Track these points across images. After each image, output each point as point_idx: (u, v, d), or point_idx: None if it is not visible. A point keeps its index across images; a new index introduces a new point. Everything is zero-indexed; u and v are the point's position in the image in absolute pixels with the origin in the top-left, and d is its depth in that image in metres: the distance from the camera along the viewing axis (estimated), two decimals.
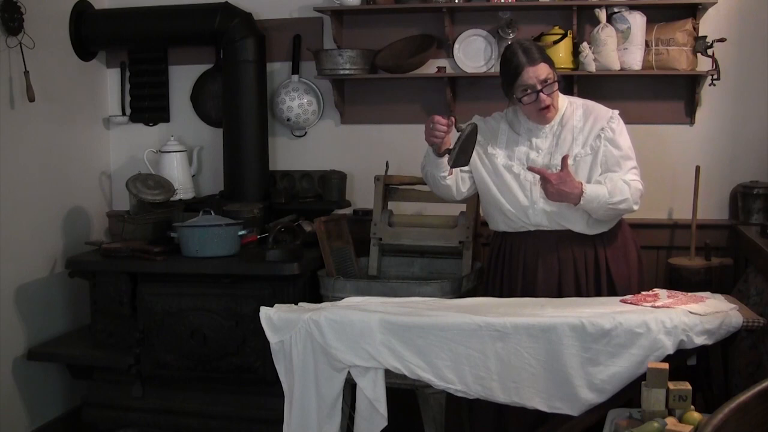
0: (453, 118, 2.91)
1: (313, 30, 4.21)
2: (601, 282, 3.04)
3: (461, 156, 2.90)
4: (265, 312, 2.78)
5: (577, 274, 3.04)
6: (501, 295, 3.09)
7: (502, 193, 3.05)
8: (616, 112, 3.06)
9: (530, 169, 2.96)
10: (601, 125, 3.01)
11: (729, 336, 2.68)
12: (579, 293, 3.02)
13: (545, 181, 2.89)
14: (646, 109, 3.90)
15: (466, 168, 3.06)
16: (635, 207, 2.99)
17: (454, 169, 3.02)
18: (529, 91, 2.93)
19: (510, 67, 2.96)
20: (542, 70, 2.92)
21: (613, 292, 3.02)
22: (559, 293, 3.01)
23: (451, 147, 2.88)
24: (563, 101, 3.08)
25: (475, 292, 3.52)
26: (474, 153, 2.99)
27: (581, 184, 2.91)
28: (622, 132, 3.03)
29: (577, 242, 3.03)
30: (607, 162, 2.99)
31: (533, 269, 3.05)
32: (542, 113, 2.98)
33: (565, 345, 2.57)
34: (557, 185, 2.87)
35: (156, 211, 3.87)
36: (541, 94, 2.93)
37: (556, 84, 2.97)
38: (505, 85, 3.00)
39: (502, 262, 3.15)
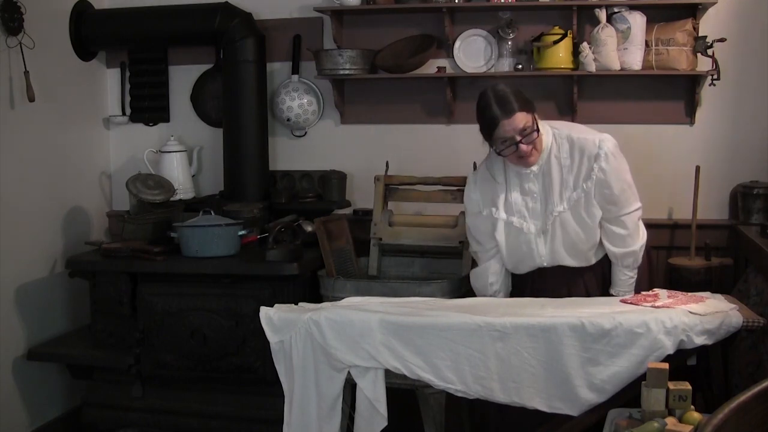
0: None
1: (313, 30, 4.21)
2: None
3: None
4: (265, 312, 2.78)
5: (587, 288, 3.05)
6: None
7: (509, 251, 3.03)
8: (605, 139, 2.92)
9: None
10: (590, 164, 2.90)
11: (729, 336, 2.68)
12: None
13: None
14: (646, 109, 3.90)
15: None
16: (643, 234, 3.03)
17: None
18: (507, 143, 2.85)
19: (485, 120, 2.84)
20: (519, 120, 2.79)
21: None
22: None
23: None
24: (548, 137, 2.95)
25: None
26: (486, 223, 3.05)
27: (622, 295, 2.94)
28: (616, 168, 2.91)
29: (587, 271, 3.04)
30: (605, 206, 2.93)
31: (541, 283, 3.07)
32: (522, 161, 2.90)
33: (565, 345, 2.57)
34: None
35: (156, 211, 3.87)
36: (520, 145, 2.83)
37: (536, 132, 2.84)
38: (484, 136, 2.90)
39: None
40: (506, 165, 3.00)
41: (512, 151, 2.86)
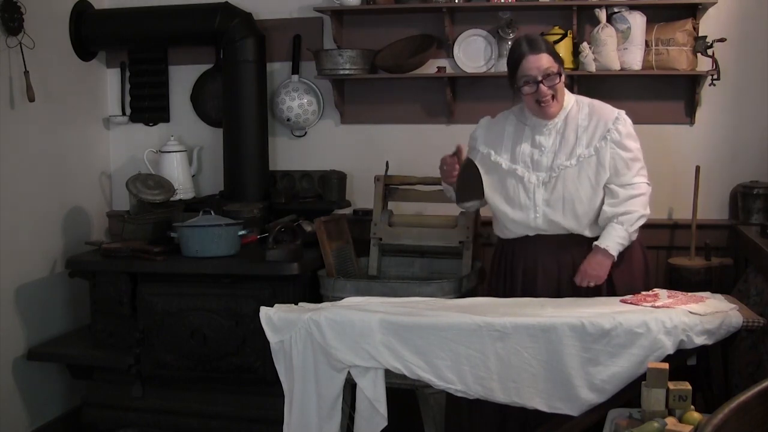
0: (459, 149, 2.96)
1: (313, 30, 4.21)
2: (600, 286, 3.02)
3: (465, 192, 3.01)
4: (265, 312, 2.78)
5: (575, 263, 3.03)
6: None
7: (506, 201, 3.05)
8: (623, 112, 3.03)
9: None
10: (606, 126, 2.98)
11: (729, 336, 2.68)
12: (578, 296, 3.01)
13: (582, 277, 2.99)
14: (646, 109, 3.90)
15: None
16: (647, 211, 3.02)
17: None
18: (529, 81, 2.93)
19: (513, 56, 2.98)
20: (544, 61, 2.91)
21: (612, 293, 3.02)
22: (558, 296, 3.01)
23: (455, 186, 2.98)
24: (569, 99, 3.06)
25: (475, 292, 3.52)
26: (480, 165, 3.04)
27: (605, 250, 2.94)
28: (630, 133, 3.00)
29: (577, 246, 3.02)
30: (615, 165, 2.96)
31: (533, 273, 3.06)
32: (543, 107, 2.96)
33: (565, 345, 2.57)
34: (590, 273, 2.96)
35: (156, 211, 3.87)
36: (541, 85, 2.91)
37: (559, 78, 2.93)
38: (510, 77, 3.00)
39: (504, 266, 3.16)
40: (525, 117, 3.06)
41: (532, 90, 2.93)
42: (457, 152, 2.97)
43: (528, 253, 3.06)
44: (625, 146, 2.97)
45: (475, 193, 3.05)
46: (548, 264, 3.03)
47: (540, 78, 2.91)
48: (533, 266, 3.05)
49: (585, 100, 3.09)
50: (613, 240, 2.96)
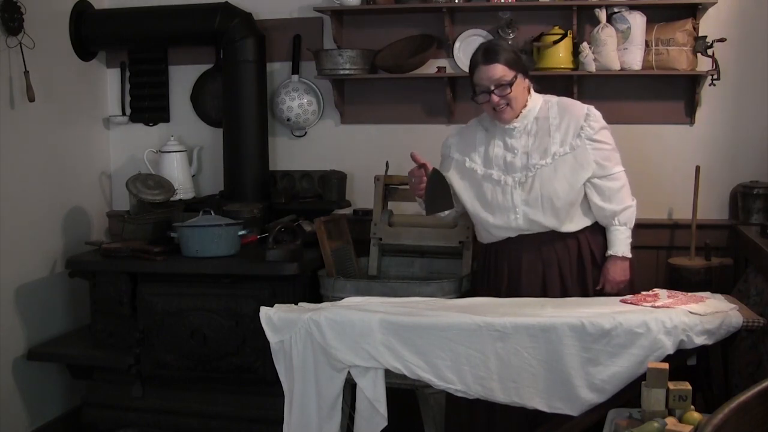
0: (424, 164, 3.01)
1: (313, 30, 4.21)
2: (586, 279, 3.08)
3: (434, 203, 3.04)
4: (265, 312, 2.78)
5: (561, 273, 3.06)
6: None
7: (484, 206, 3.08)
8: (591, 107, 3.07)
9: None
10: (578, 123, 3.02)
11: (729, 336, 2.68)
12: (565, 293, 3.03)
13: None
14: (646, 109, 3.90)
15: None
16: (634, 201, 3.11)
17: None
18: (483, 90, 2.97)
19: (470, 65, 3.05)
20: (496, 71, 2.94)
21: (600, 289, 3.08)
22: (544, 295, 3.02)
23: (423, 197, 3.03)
24: (536, 100, 3.08)
25: (475, 292, 3.52)
26: (454, 172, 3.11)
27: (622, 257, 3.05)
28: (602, 126, 3.05)
29: (560, 241, 3.06)
30: (597, 161, 3.01)
31: (517, 274, 3.08)
32: (497, 113, 3.00)
33: (565, 345, 2.57)
34: (618, 281, 3.07)
35: (156, 211, 3.87)
36: (492, 94, 2.95)
37: (510, 87, 2.94)
38: (470, 83, 3.05)
39: (488, 269, 3.19)
40: (495, 124, 3.10)
41: (485, 100, 2.99)
42: (424, 165, 3.01)
43: (511, 253, 3.09)
44: (600, 140, 3.02)
45: (444, 203, 3.08)
46: (532, 262, 3.06)
47: (492, 87, 2.95)
48: (517, 267, 3.08)
49: (553, 99, 3.12)
50: (624, 244, 3.07)
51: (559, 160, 2.99)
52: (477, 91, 3.00)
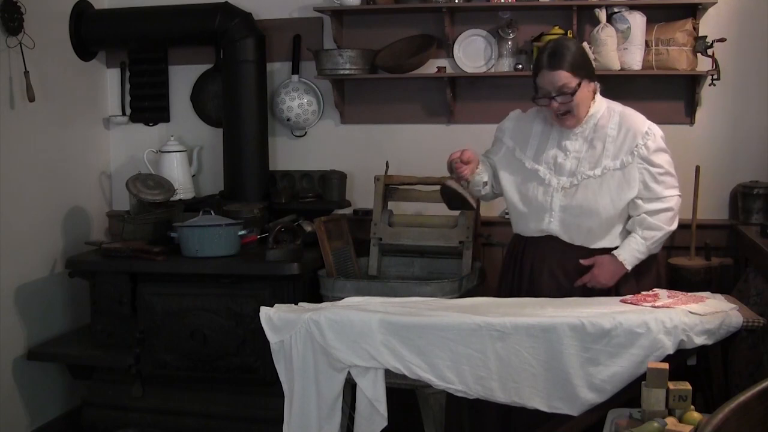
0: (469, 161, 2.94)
1: (313, 30, 4.21)
2: (610, 293, 2.99)
3: (453, 208, 3.05)
4: (265, 312, 2.78)
5: (585, 287, 3.01)
6: (510, 296, 3.08)
7: (523, 200, 3.04)
8: (654, 125, 2.97)
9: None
10: (635, 140, 2.93)
11: (729, 336, 2.68)
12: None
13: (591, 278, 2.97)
14: (646, 109, 3.83)
15: (486, 179, 3.10)
16: (673, 227, 3.02)
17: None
18: (543, 94, 2.92)
19: (534, 66, 2.99)
20: (559, 78, 2.86)
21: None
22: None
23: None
24: (600, 105, 3.00)
25: (475, 292, 3.52)
26: (502, 158, 3.08)
27: (621, 262, 2.94)
28: (659, 148, 2.95)
29: (585, 257, 2.99)
30: (645, 180, 2.93)
31: (539, 273, 3.04)
32: (558, 119, 2.95)
33: (565, 345, 2.57)
34: (599, 280, 2.95)
35: (156, 211, 3.87)
36: (552, 101, 2.90)
37: (570, 97, 2.87)
38: (533, 82, 2.98)
39: (514, 262, 3.15)
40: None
41: (545, 104, 2.93)
42: (469, 160, 2.95)
43: (537, 252, 3.05)
44: (653, 162, 2.94)
45: (464, 206, 3.04)
46: (554, 268, 3.02)
47: (554, 94, 2.89)
48: (540, 267, 3.04)
49: (617, 108, 3.02)
50: (632, 254, 2.96)
51: (607, 174, 2.94)
52: (539, 93, 2.93)
